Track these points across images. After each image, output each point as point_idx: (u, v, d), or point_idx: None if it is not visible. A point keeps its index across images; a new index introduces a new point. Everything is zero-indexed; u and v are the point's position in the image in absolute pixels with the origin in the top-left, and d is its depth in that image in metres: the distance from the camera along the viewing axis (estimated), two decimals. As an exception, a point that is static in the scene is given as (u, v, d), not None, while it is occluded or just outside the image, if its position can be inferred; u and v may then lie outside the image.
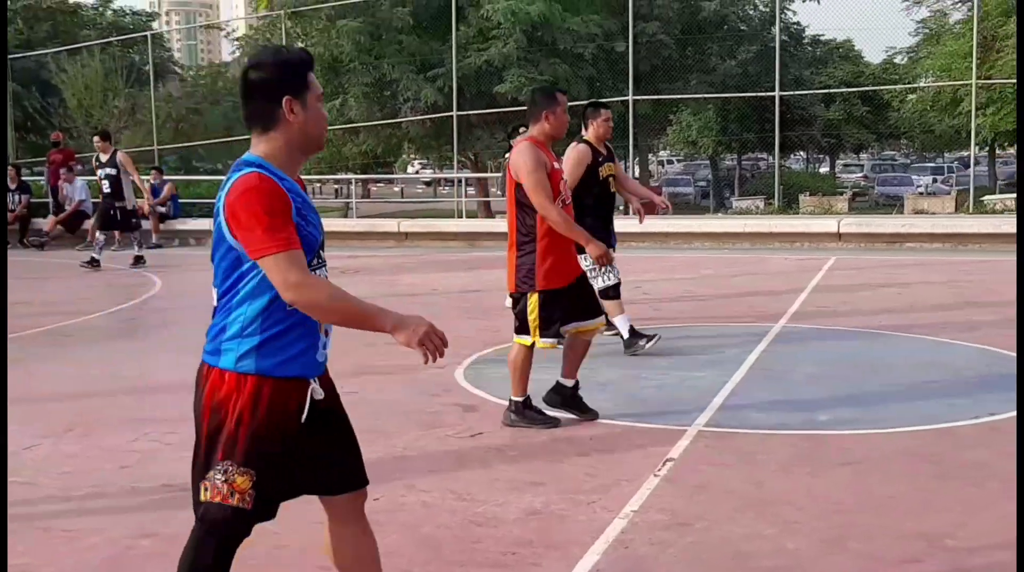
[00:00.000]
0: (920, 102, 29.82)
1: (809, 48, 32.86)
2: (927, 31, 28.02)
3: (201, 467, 2.76)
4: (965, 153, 42.72)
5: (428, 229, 17.87)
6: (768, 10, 27.96)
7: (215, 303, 2.80)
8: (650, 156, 36.63)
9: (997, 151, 38.11)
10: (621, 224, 17.32)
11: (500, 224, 19.19)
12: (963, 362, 7.27)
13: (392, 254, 15.79)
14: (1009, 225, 15.09)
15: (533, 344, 5.66)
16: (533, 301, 5.62)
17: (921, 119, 31.17)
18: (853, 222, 15.87)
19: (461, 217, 20.70)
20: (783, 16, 29.26)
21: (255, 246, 2.61)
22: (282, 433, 2.73)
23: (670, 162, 49.97)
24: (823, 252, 14.32)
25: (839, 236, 14.98)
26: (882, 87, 31.34)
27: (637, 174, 28.86)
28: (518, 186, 5.58)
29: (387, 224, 18.54)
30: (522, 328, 5.69)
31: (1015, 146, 10.63)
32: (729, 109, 30.35)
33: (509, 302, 6.32)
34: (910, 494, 4.69)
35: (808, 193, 23.33)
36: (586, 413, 5.92)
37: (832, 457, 5.26)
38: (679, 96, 25.88)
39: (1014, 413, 5.93)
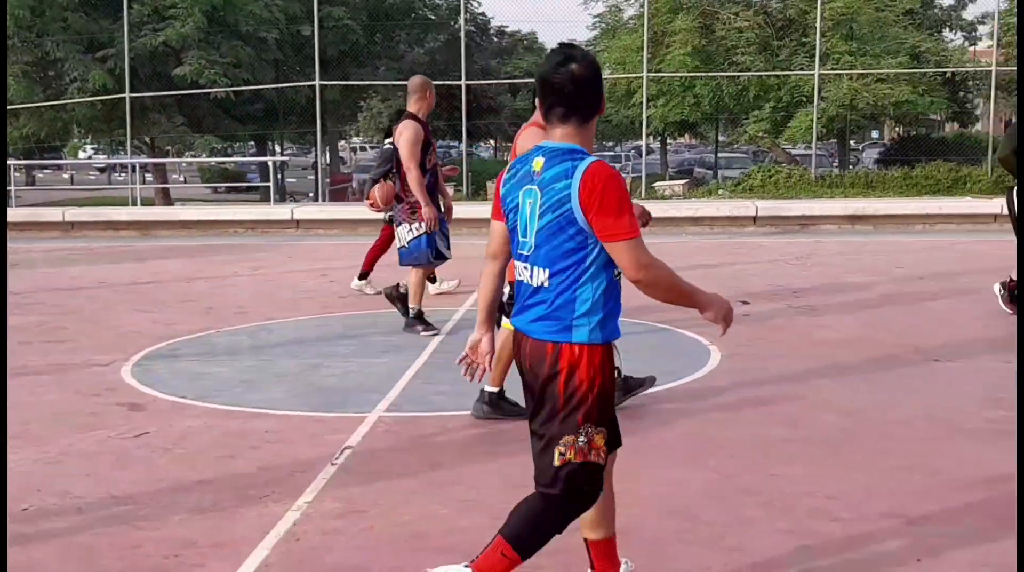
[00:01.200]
0: (600, 92, 31.28)
1: (495, 39, 33.80)
2: (604, 26, 29.49)
3: (555, 435, 2.98)
4: (640, 142, 45.57)
5: (97, 218, 16.67)
6: (451, 1, 28.42)
7: (534, 281, 3.03)
8: (343, 142, 36.39)
9: (668, 140, 40.83)
10: (304, 211, 16.96)
11: (180, 212, 18.48)
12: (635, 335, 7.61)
13: (56, 246, 14.63)
14: (676, 209, 16.22)
15: None
16: None
17: (598, 109, 32.74)
18: (536, 207, 16.40)
19: (135, 205, 19.57)
20: (469, 6, 29.86)
21: (617, 230, 2.89)
22: (613, 392, 3.08)
23: (363, 149, 49.92)
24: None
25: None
26: (563, 78, 32.64)
27: (328, 161, 28.54)
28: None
29: (50, 213, 17.14)
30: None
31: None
32: (418, 96, 30.55)
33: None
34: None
35: (496, 180, 23.93)
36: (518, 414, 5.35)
37: (511, 434, 5.35)
38: (368, 82, 25.85)
39: (673, 384, 6.30)
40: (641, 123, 22.42)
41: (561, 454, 2.98)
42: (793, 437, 5.26)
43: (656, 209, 16.47)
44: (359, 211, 16.58)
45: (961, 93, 30.71)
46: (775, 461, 4.89)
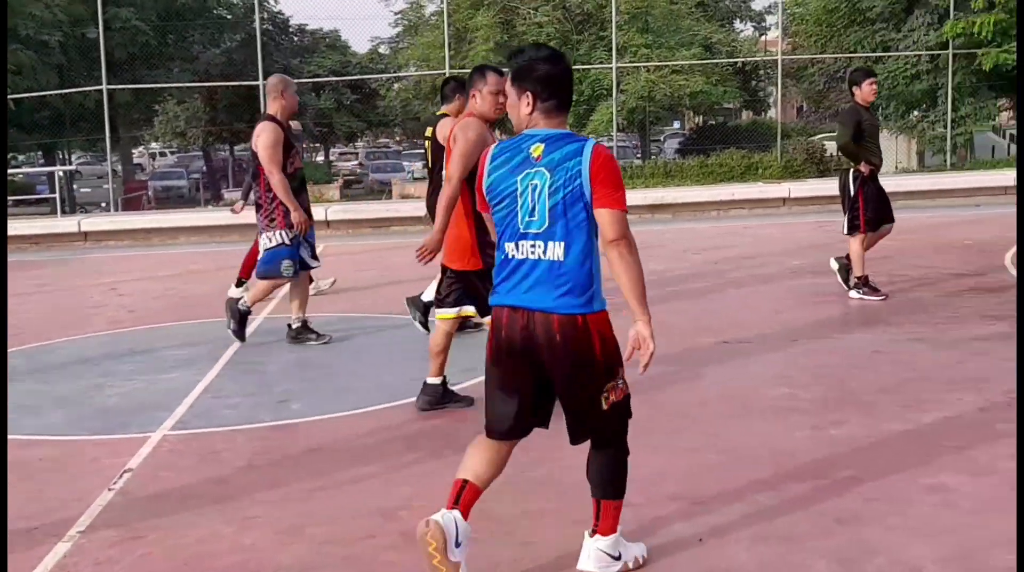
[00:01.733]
0: (404, 91, 31.22)
1: (296, 37, 33.14)
2: (407, 22, 29.36)
3: (594, 392, 3.37)
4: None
5: None
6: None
7: (547, 256, 3.30)
8: (140, 149, 34.93)
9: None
10: (93, 222, 16.08)
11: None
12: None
13: None
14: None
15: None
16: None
17: (407, 107, 32.61)
18: (340, 209, 16.19)
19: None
20: (265, 4, 29.16)
21: (615, 200, 3.27)
22: None
23: (163, 154, 48.08)
24: (315, 239, 14.41)
25: (328, 223, 15.18)
26: (369, 76, 32.42)
27: (120, 168, 27.32)
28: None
29: None
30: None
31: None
32: (217, 98, 29.77)
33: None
34: (373, 472, 4.72)
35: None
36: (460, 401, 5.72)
37: (300, 445, 5.19)
38: (160, 85, 24.83)
39: (474, 381, 6.25)
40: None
41: (606, 399, 3.41)
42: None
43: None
44: (154, 220, 16.02)
45: (753, 82, 32.10)
46: (572, 452, 4.84)
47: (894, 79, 21.64)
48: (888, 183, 17.05)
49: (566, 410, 3.47)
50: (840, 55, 22.39)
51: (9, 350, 7.60)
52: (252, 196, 7.60)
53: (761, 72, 30.62)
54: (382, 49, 33.72)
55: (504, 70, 4.05)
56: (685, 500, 4.20)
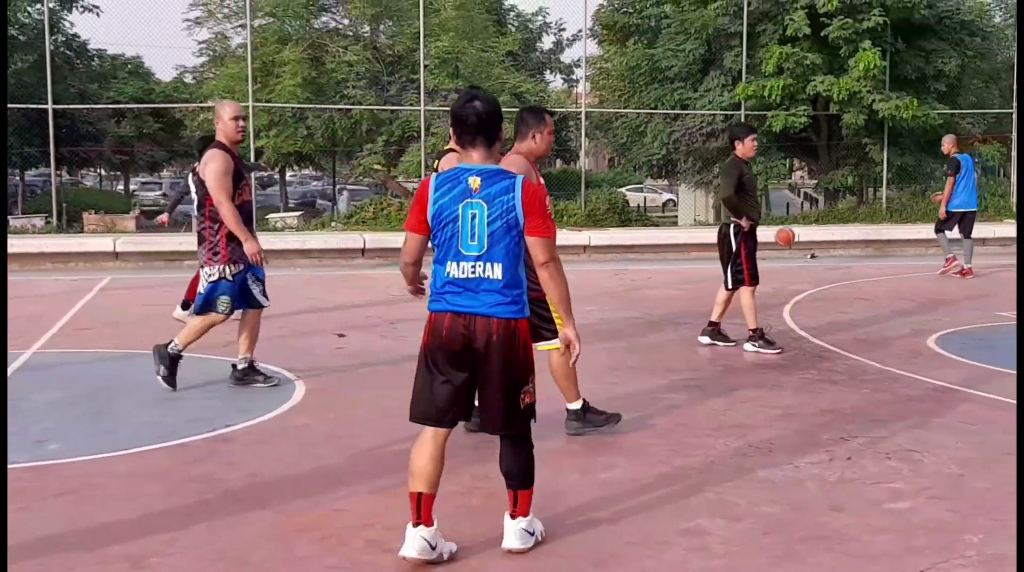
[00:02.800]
0: (210, 121, 30.39)
1: (94, 61, 31.80)
2: (211, 52, 28.66)
3: (516, 388, 3.96)
4: (264, 173, 44.68)
5: None
6: (41, 19, 26.52)
7: (486, 275, 3.89)
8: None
9: (288, 172, 40.35)
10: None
11: None
12: (218, 373, 7.28)
13: None
14: (284, 242, 15.95)
15: None
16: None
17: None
18: (131, 241, 15.55)
19: None
20: (60, 27, 27.90)
21: (544, 229, 3.93)
22: None
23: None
24: (100, 272, 13.78)
25: (116, 255, 14.54)
26: (172, 105, 31.43)
27: None
28: None
29: None
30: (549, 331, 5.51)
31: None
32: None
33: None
34: (128, 517, 4.48)
35: (94, 211, 22.44)
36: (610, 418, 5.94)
37: (52, 488, 4.88)
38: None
39: (249, 423, 6.07)
40: (260, 151, 21.95)
41: (523, 399, 4.00)
42: (362, 470, 5.19)
43: (265, 242, 16.28)
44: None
45: (563, 132, 32.89)
46: (342, 495, 4.80)
47: (692, 136, 22.63)
48: (683, 236, 17.76)
49: (492, 405, 4.00)
50: (642, 111, 23.23)
51: None
52: (195, 225, 7.01)
53: (571, 123, 31.42)
54: (187, 78, 32.71)
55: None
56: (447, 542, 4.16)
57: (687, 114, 22.22)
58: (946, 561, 4.01)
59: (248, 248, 6.71)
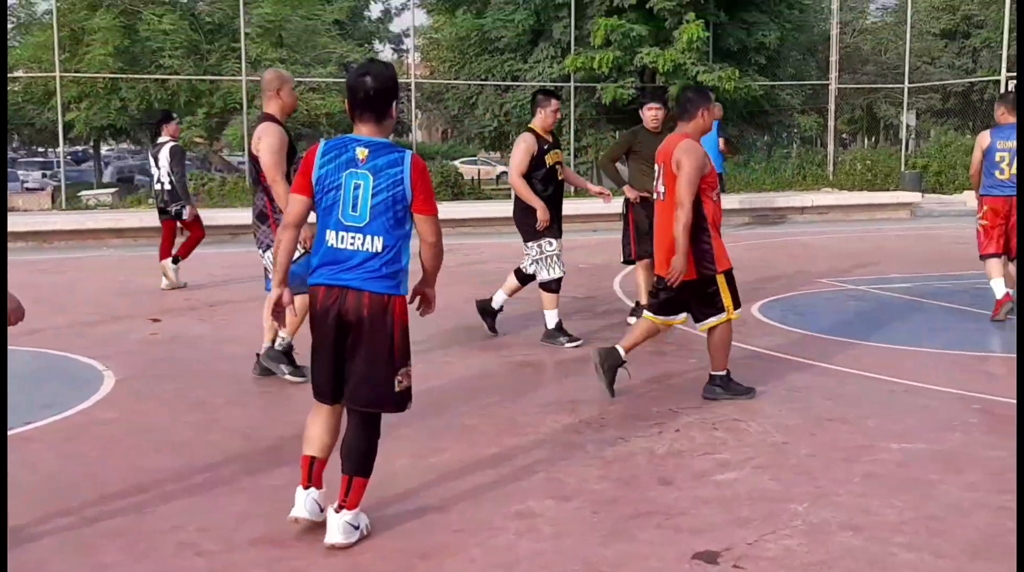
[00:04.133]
0: (14, 94, 28.64)
1: None
2: (15, 19, 26.93)
3: (391, 369, 3.88)
4: (79, 147, 42.42)
5: None
6: None
7: (365, 248, 3.82)
8: None
9: (103, 146, 38.50)
10: None
11: None
12: (18, 365, 6.76)
13: None
14: (94, 221, 15.14)
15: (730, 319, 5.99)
16: (722, 281, 5.94)
17: (19, 112, 29.94)
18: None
19: None
20: None
21: (430, 206, 3.91)
22: None
23: None
24: None
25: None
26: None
27: None
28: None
29: None
30: (714, 309, 5.93)
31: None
32: None
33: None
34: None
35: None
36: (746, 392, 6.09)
37: None
38: None
39: (51, 419, 5.64)
40: (68, 125, 20.75)
41: (399, 381, 3.89)
42: (173, 467, 4.87)
43: (72, 221, 15.44)
44: None
45: (395, 103, 32.42)
46: (151, 496, 4.47)
47: (523, 108, 22.63)
48: (508, 210, 17.66)
49: (360, 380, 3.87)
50: (472, 82, 23.10)
51: None
52: (256, 203, 6.42)
53: (402, 95, 30.98)
54: (-9, 47, 30.70)
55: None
56: (267, 544, 3.92)
57: (518, 86, 22.22)
58: (773, 532, 4.01)
59: (304, 231, 6.22)
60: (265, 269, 6.37)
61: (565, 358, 7.10)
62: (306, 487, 3.98)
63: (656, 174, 6.15)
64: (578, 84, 20.96)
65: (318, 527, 3.98)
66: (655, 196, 6.22)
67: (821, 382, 6.43)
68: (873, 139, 40.42)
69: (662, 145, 6.12)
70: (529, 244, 7.51)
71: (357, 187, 3.79)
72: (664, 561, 3.74)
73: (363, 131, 3.89)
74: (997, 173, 8.36)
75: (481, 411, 5.80)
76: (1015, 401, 5.91)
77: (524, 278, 7.74)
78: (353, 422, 3.93)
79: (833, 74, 22.70)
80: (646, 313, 6.22)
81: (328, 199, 3.84)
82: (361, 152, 3.82)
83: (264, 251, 6.35)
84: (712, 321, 5.96)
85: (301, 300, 5.97)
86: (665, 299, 6.05)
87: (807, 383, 6.40)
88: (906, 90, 22.96)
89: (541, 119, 7.42)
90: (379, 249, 3.80)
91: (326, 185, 3.84)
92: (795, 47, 25.98)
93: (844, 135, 40.62)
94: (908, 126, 26.87)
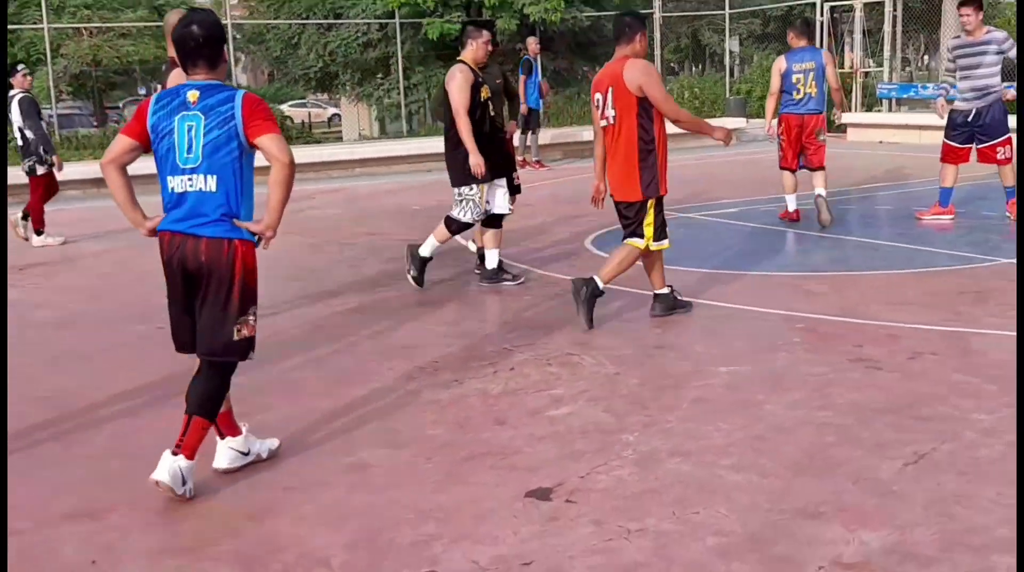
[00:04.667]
0: None
1: None
2: None
3: (235, 316, 3.82)
4: None
5: None
6: None
7: (199, 188, 3.76)
8: None
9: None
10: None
11: None
12: None
13: None
14: None
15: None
16: (651, 206, 6.02)
17: None
18: None
19: None
20: None
21: (269, 127, 3.78)
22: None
23: None
24: None
25: None
26: None
27: None
28: (641, 99, 5.86)
29: None
30: (640, 231, 6.06)
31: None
32: None
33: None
34: None
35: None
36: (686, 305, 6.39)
37: None
38: None
39: None
40: None
41: (239, 330, 3.84)
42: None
43: None
44: None
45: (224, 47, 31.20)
46: None
47: (348, 47, 22.10)
48: (344, 153, 17.35)
49: (203, 328, 3.84)
50: (293, 21, 22.40)
51: None
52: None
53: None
54: None
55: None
56: (82, 516, 3.70)
57: (341, 23, 21.66)
58: (604, 464, 4.02)
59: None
60: None
61: (398, 305, 6.97)
62: (175, 453, 3.78)
63: (600, 101, 6.06)
64: (403, 20, 20.56)
65: (140, 497, 3.79)
66: (603, 123, 6.10)
67: (647, 309, 6.50)
68: (700, 67, 41.28)
69: (604, 71, 6.10)
70: (462, 189, 7.10)
71: (190, 129, 3.76)
72: (498, 501, 3.71)
73: (198, 76, 3.86)
74: (795, 93, 9.11)
75: (311, 363, 5.64)
76: (837, 318, 6.13)
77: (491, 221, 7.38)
78: (202, 366, 3.92)
79: (657, 3, 22.95)
80: (628, 240, 6.13)
81: (164, 145, 3.81)
82: (192, 95, 3.79)
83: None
84: (628, 240, 6.11)
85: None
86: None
87: (637, 313, 6.46)
88: (727, 16, 23.47)
89: (472, 51, 7.00)
90: (213, 188, 3.76)
91: (160, 131, 3.81)
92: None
93: (672, 64, 41.34)
94: (732, 52, 27.51)
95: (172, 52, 5.90)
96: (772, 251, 8.38)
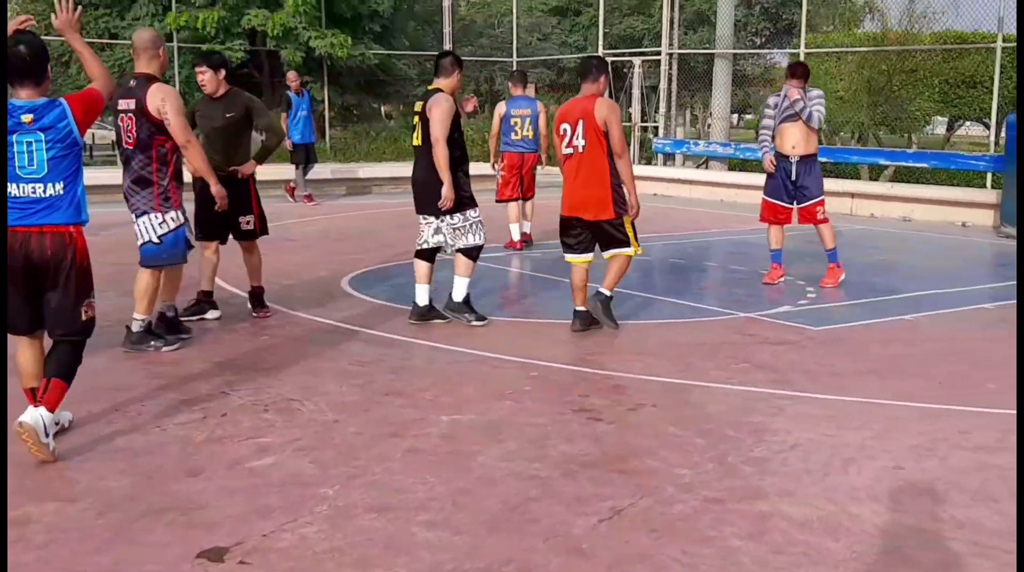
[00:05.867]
0: None
1: None
2: None
3: (76, 299, 4.46)
4: None
5: None
6: None
7: (48, 193, 4.37)
8: None
9: None
10: None
11: None
12: None
13: None
14: None
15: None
16: (628, 221, 6.88)
17: None
18: None
19: None
20: None
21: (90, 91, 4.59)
22: None
23: None
24: None
25: None
26: None
27: None
28: (607, 133, 6.73)
29: None
30: (624, 242, 6.90)
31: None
32: None
33: None
34: None
35: None
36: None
37: None
38: None
39: None
40: None
41: (85, 311, 4.52)
42: None
43: None
44: None
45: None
46: None
47: (122, 67, 21.12)
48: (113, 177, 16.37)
49: (51, 311, 4.45)
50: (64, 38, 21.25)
51: None
52: (135, 167, 6.16)
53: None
54: None
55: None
56: None
57: (116, 43, 20.70)
58: (293, 520, 3.78)
59: (215, 190, 6.52)
60: (137, 236, 6.24)
61: (111, 342, 6.51)
62: (35, 406, 4.33)
63: (568, 131, 6.81)
64: (182, 44, 19.79)
65: None
66: (568, 151, 6.83)
67: (390, 354, 6.34)
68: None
69: (573, 105, 6.89)
70: (455, 216, 6.91)
71: (30, 144, 4.31)
72: (163, 564, 3.41)
73: (22, 96, 4.34)
74: (513, 134, 10.68)
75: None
76: (571, 366, 6.12)
77: (430, 254, 7.18)
78: (55, 348, 4.53)
79: (447, 45, 23.09)
80: (613, 250, 6.93)
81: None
82: (27, 118, 4.30)
83: (139, 217, 6.17)
84: (618, 251, 6.91)
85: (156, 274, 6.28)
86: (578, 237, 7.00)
87: (376, 356, 6.29)
88: (515, 63, 23.83)
89: (453, 82, 6.91)
90: (60, 191, 4.38)
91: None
92: (412, 17, 26.18)
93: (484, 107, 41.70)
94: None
95: (150, 68, 6.12)
96: (526, 296, 8.37)
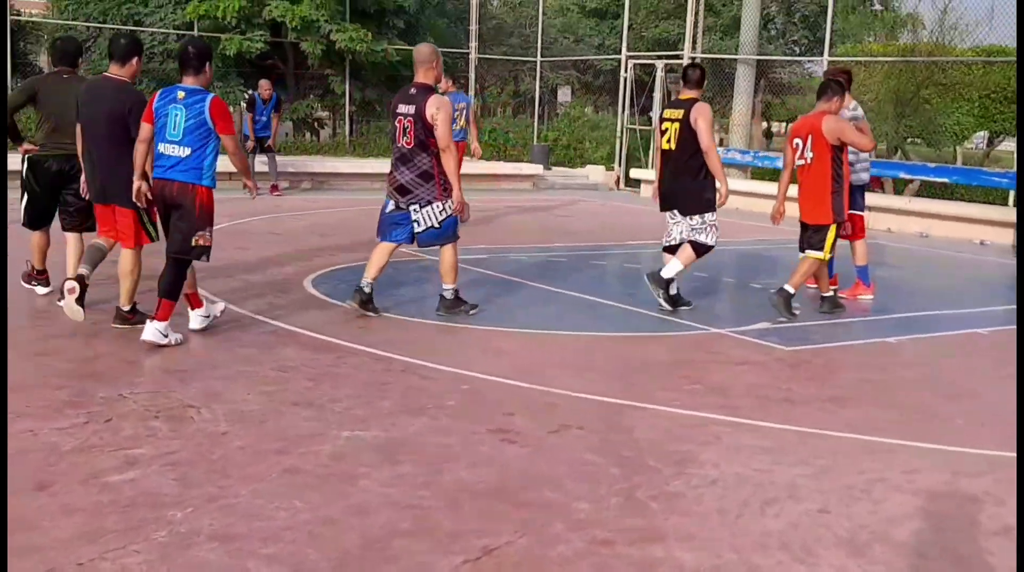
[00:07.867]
0: None
1: None
2: None
3: (191, 230, 6.02)
4: None
5: None
6: None
7: (179, 154, 5.95)
8: None
9: None
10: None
11: None
12: None
13: None
14: None
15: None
16: (834, 229, 7.51)
17: None
18: None
19: None
20: None
21: (229, 127, 6.07)
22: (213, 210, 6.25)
23: None
24: None
25: None
26: None
27: None
28: (835, 145, 7.47)
29: None
30: (821, 246, 7.50)
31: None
32: None
33: None
34: None
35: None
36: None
37: None
38: None
39: None
40: None
41: (196, 240, 6.04)
42: None
43: None
44: None
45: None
46: None
47: (148, 56, 21.00)
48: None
49: (172, 236, 6.10)
50: (91, 24, 21.18)
51: None
52: (420, 164, 6.94)
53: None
54: None
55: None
56: None
57: (140, 30, 20.57)
58: (122, 547, 3.40)
59: (456, 195, 7.02)
60: (415, 222, 7.00)
61: (58, 333, 6.20)
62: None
63: (800, 145, 7.55)
64: (203, 33, 19.60)
65: None
66: (799, 162, 7.58)
67: (318, 360, 5.96)
68: (528, 111, 41.36)
69: (803, 122, 7.61)
70: (694, 218, 7.64)
71: (176, 115, 5.90)
72: (-52, 595, 3.04)
73: (186, 81, 6.03)
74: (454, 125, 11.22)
75: None
76: (507, 380, 5.70)
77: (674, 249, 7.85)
78: (168, 264, 6.08)
79: (473, 43, 22.72)
80: (810, 252, 7.54)
81: (159, 123, 5.96)
82: (181, 94, 5.96)
83: (423, 207, 6.95)
84: (811, 253, 7.58)
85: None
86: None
87: (303, 361, 5.92)
88: (539, 64, 23.39)
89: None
90: (188, 154, 5.92)
91: (159, 114, 5.95)
92: (443, 14, 25.84)
93: (509, 106, 41.25)
94: (562, 103, 27.61)
95: (427, 78, 6.90)
96: (489, 302, 7.93)
